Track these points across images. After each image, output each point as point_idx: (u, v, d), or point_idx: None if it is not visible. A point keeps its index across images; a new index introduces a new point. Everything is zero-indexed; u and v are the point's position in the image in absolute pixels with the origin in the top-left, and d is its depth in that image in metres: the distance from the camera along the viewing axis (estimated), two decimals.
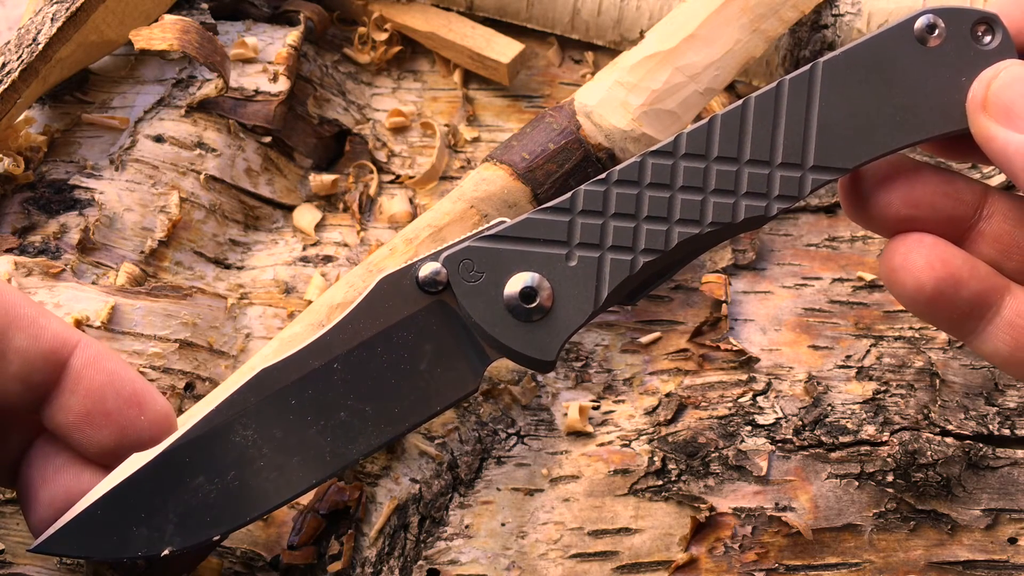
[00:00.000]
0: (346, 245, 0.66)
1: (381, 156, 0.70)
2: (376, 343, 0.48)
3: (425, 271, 0.48)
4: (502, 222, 0.49)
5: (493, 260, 0.48)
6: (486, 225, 0.49)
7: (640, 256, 0.49)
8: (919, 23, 0.49)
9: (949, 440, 0.57)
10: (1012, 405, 0.59)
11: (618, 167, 0.49)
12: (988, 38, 0.49)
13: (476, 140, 0.70)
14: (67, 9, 0.61)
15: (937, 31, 0.49)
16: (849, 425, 0.58)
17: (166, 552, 0.46)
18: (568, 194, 0.49)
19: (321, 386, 0.48)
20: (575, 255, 0.48)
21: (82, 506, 0.46)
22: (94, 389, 0.46)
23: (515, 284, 0.48)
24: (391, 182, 0.69)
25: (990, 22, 0.49)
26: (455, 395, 0.49)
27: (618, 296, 0.49)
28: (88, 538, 0.46)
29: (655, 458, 0.58)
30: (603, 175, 0.49)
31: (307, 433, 0.47)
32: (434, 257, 0.48)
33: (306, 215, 0.67)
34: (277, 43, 0.69)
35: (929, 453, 0.57)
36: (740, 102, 0.49)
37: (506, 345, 0.48)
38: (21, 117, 0.63)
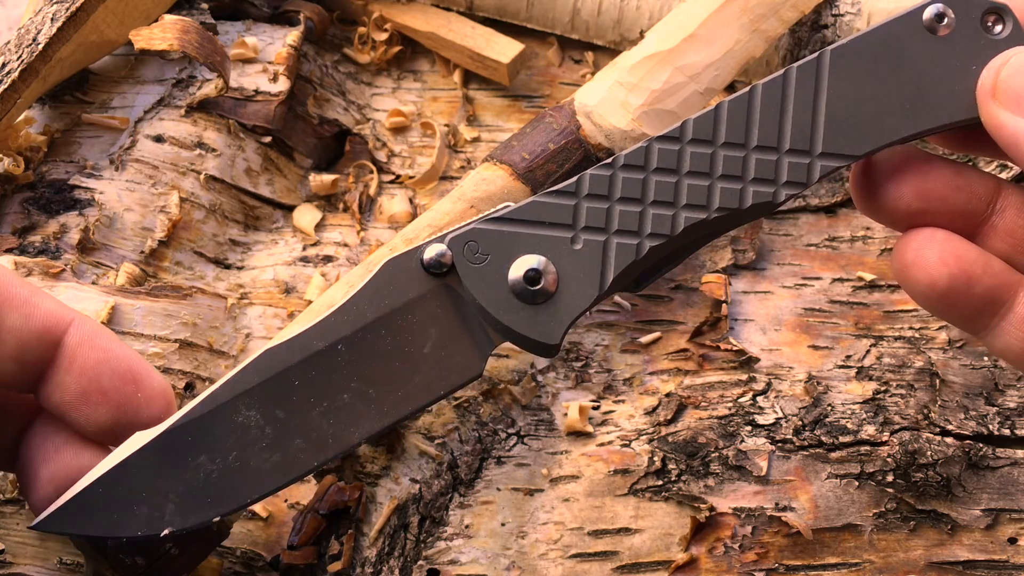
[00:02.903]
0: (346, 245, 0.66)
1: (381, 156, 0.70)
2: (380, 325, 0.48)
3: (430, 252, 0.48)
4: (507, 206, 0.49)
5: (498, 242, 0.48)
6: (492, 209, 0.49)
7: (646, 240, 0.48)
8: (928, 13, 0.49)
9: (949, 440, 0.57)
10: (1012, 405, 0.59)
11: (624, 152, 0.49)
12: (999, 27, 0.49)
13: (476, 140, 0.70)
14: (67, 9, 0.61)
15: (946, 20, 0.49)
16: (849, 425, 0.58)
17: (165, 532, 0.45)
18: (574, 178, 0.48)
19: (324, 367, 0.47)
20: (580, 238, 0.48)
21: (83, 484, 0.46)
22: (89, 367, 0.46)
23: (520, 266, 0.47)
24: (391, 182, 0.69)
25: (1000, 12, 0.49)
26: (459, 380, 0.48)
27: (624, 281, 0.49)
28: (88, 516, 0.46)
29: (655, 458, 0.58)
30: (609, 160, 0.49)
31: (309, 415, 0.47)
32: (440, 239, 0.48)
33: (306, 215, 0.67)
34: (277, 43, 0.69)
35: (929, 453, 0.57)
36: (747, 89, 0.49)
37: (510, 328, 0.48)
38: (21, 117, 0.63)
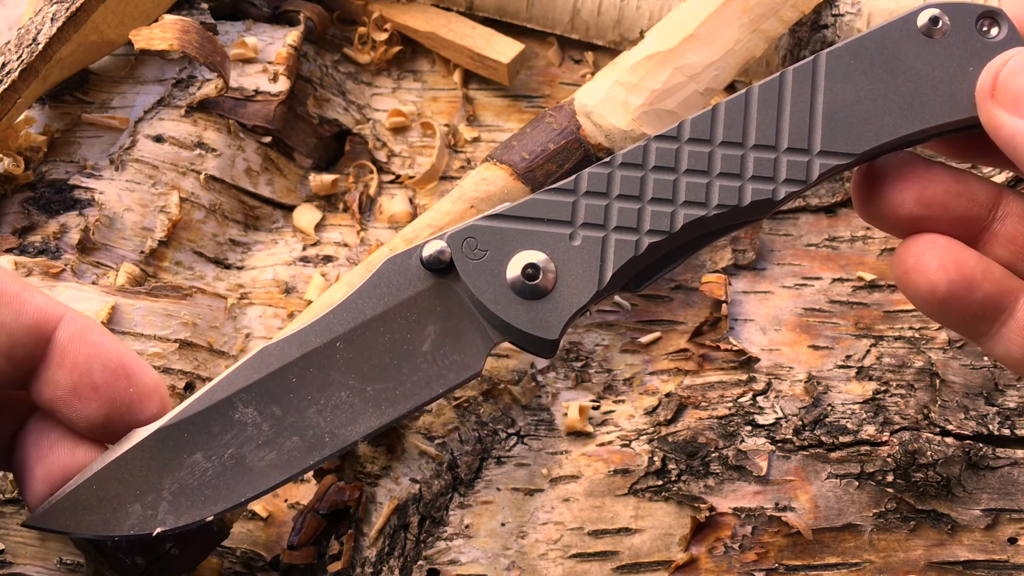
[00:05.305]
0: (346, 245, 0.66)
1: (381, 156, 0.70)
2: (379, 323, 0.47)
3: (429, 249, 0.48)
4: (506, 205, 0.49)
5: (497, 238, 0.48)
6: (491, 210, 0.49)
7: (645, 237, 0.48)
8: (922, 17, 0.49)
9: (949, 440, 0.57)
10: (1012, 405, 0.59)
11: (622, 151, 0.49)
12: (994, 30, 0.49)
13: (476, 140, 0.70)
14: (67, 9, 0.61)
15: (940, 24, 0.49)
16: (849, 425, 0.58)
17: (158, 531, 0.45)
18: (572, 176, 0.49)
19: (322, 365, 0.47)
20: (579, 235, 0.48)
21: (76, 482, 0.46)
22: (80, 362, 0.46)
23: (518, 262, 0.47)
24: (391, 182, 0.69)
25: (994, 15, 0.49)
26: (457, 378, 0.48)
27: (624, 277, 0.49)
28: (81, 513, 0.45)
29: (655, 458, 0.58)
30: (607, 158, 0.49)
31: (306, 412, 0.47)
32: (439, 236, 0.48)
33: (306, 215, 0.67)
34: (277, 43, 0.69)
35: (929, 453, 0.57)
36: (743, 91, 0.49)
37: (509, 323, 0.47)
38: (21, 117, 0.63)
